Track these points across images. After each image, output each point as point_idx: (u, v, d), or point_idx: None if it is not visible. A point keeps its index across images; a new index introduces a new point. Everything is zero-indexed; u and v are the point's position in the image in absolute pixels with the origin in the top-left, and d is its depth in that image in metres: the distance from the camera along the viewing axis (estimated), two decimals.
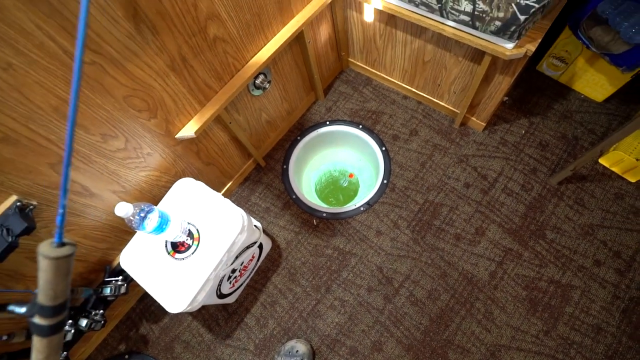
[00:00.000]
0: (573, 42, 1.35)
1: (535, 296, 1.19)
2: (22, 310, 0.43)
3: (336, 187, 1.76)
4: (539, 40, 1.02)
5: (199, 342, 1.29)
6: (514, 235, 1.28)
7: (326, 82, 1.68)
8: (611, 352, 1.11)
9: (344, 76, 1.71)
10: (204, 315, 1.32)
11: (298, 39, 1.31)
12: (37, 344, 0.42)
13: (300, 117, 1.65)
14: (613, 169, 1.33)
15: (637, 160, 1.27)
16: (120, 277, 1.12)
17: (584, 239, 1.25)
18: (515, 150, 1.42)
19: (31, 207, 0.81)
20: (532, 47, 1.01)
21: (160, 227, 0.92)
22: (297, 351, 1.19)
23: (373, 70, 1.63)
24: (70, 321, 1.03)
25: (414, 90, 1.55)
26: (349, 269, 1.32)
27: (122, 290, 1.08)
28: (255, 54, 1.18)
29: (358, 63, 1.66)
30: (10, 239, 0.72)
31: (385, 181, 1.44)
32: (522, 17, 0.93)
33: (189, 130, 1.08)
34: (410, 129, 1.53)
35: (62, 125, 0.78)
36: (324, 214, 1.42)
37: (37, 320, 0.41)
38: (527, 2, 0.91)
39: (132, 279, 1.05)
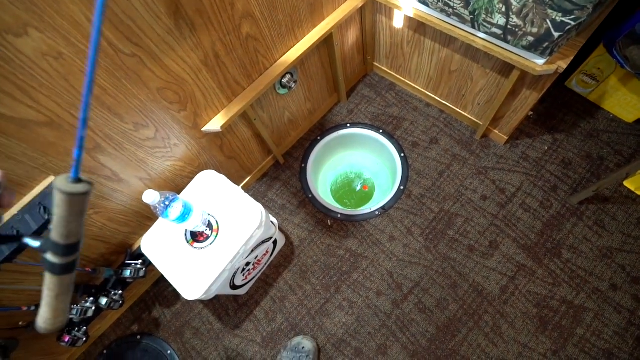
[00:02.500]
0: (606, 60, 1.32)
1: (546, 315, 1.18)
2: (37, 244, 0.41)
3: (351, 189, 1.77)
4: (572, 58, 1.01)
5: (209, 330, 1.33)
6: (528, 251, 1.27)
7: (350, 84, 1.69)
8: None
9: (367, 80, 1.72)
10: (215, 304, 1.36)
11: (326, 41, 1.33)
12: (48, 281, 0.42)
13: (322, 118, 1.67)
14: (638, 192, 1.30)
15: None
16: (140, 261, 1.16)
17: (601, 261, 1.23)
18: (537, 166, 1.40)
19: None
20: (563, 65, 1.00)
21: (183, 217, 0.96)
22: (303, 347, 1.21)
23: (397, 76, 1.63)
24: (91, 299, 1.08)
25: (437, 98, 1.55)
26: (360, 272, 1.33)
27: (141, 273, 1.13)
28: (284, 53, 1.20)
29: (383, 68, 1.67)
30: (47, 217, 0.77)
31: (402, 187, 1.45)
32: (556, 34, 0.92)
33: (215, 124, 1.12)
34: (430, 137, 1.53)
35: (100, 112, 0.82)
36: (339, 215, 1.44)
37: (50, 257, 0.40)
38: (563, 19, 0.90)
39: (150, 264, 1.09)
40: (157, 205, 0.91)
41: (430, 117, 1.57)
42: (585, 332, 1.15)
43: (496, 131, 1.43)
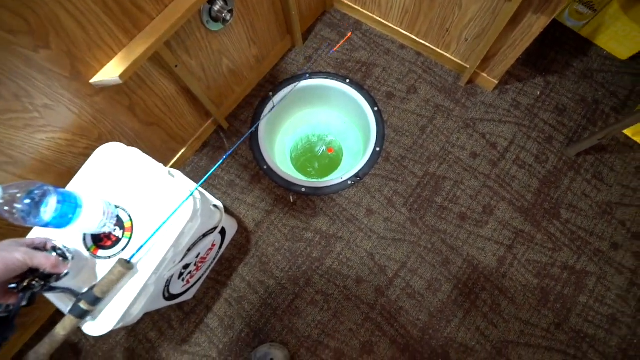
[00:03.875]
0: None
1: (548, 285, 1.04)
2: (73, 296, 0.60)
3: (314, 154, 1.48)
4: None
5: (148, 349, 1.04)
6: (526, 214, 1.10)
7: (306, 24, 1.34)
8: (625, 345, 0.99)
9: (327, 18, 1.38)
10: (152, 316, 1.06)
11: None
12: (67, 322, 0.57)
13: (273, 68, 1.31)
14: (635, 138, 1.17)
15: None
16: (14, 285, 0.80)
17: (601, 218, 1.09)
18: (529, 114, 1.20)
19: None
20: None
21: (64, 217, 0.61)
22: (271, 358, 0.97)
23: (364, 11, 1.31)
24: None
25: (414, 37, 1.26)
26: (334, 256, 1.09)
27: (24, 302, 0.78)
28: None
29: (345, 1, 1.33)
30: None
31: (377, 149, 1.19)
32: None
33: (110, 72, 0.74)
34: (407, 85, 1.26)
35: None
36: (303, 189, 1.15)
37: (82, 304, 0.58)
38: None
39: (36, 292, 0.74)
40: (8, 209, 0.55)
41: (406, 61, 1.29)
42: (588, 300, 1.03)
43: (484, 74, 1.20)
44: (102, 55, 0.74)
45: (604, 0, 1.16)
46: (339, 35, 1.34)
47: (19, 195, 0.55)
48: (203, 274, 1.06)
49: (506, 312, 1.02)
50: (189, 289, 1.00)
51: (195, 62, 0.98)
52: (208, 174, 0.74)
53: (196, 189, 0.71)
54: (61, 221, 0.61)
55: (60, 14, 0.62)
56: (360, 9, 1.32)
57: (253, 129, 1.22)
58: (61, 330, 0.57)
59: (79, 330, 1.09)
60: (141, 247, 0.63)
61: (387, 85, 1.26)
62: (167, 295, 0.88)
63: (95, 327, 0.66)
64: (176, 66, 0.89)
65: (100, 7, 0.67)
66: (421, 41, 1.25)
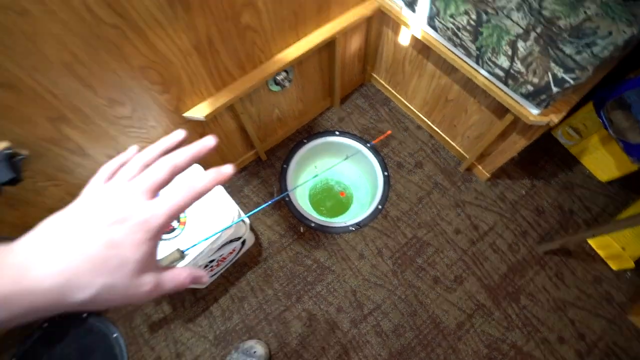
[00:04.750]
0: (592, 119, 1.35)
1: (495, 357, 1.21)
2: None
3: (329, 195, 1.74)
4: (564, 114, 1.02)
5: (160, 318, 1.27)
6: (490, 292, 1.29)
7: (345, 91, 1.66)
8: None
9: (363, 90, 1.69)
10: (171, 294, 1.30)
11: (329, 44, 1.28)
12: None
13: (311, 120, 1.62)
14: (598, 251, 1.35)
15: (622, 249, 1.29)
16: None
17: (554, 313, 1.26)
18: (512, 208, 1.42)
19: (21, 156, 0.77)
20: (555, 119, 1.01)
21: None
22: (254, 352, 1.18)
23: (394, 92, 1.61)
24: None
25: (429, 123, 1.54)
26: (324, 285, 1.31)
27: None
28: (283, 50, 1.15)
29: (381, 81, 1.64)
30: None
31: (380, 206, 1.43)
32: (554, 89, 0.92)
33: (199, 112, 1.05)
34: (416, 160, 1.52)
35: (70, 81, 0.74)
36: (313, 224, 1.41)
37: None
38: (564, 75, 0.90)
39: None
40: None
41: (419, 140, 1.56)
42: None
43: (480, 167, 1.44)
44: (196, 99, 1.05)
45: (589, 130, 1.40)
46: (370, 106, 1.64)
47: None
48: (219, 271, 1.30)
49: None
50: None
51: (254, 110, 1.29)
52: (257, 209, 1.01)
53: (246, 216, 0.99)
54: None
55: (182, 75, 0.94)
56: (391, 89, 1.62)
57: (283, 195, 1.46)
58: None
59: None
60: (195, 245, 0.84)
61: (399, 157, 1.53)
62: None
63: None
64: (242, 113, 1.20)
65: (206, 71, 0.99)
66: (434, 127, 1.53)
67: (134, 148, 0.30)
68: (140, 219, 0.24)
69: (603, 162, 1.42)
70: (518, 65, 0.96)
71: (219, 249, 1.07)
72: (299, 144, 1.57)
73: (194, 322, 1.27)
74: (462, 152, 1.47)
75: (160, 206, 0.25)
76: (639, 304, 1.26)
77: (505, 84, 1.02)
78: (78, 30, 0.68)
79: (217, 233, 0.96)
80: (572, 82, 0.89)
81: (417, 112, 1.56)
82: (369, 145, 1.55)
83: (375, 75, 1.66)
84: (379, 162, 1.52)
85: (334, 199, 1.72)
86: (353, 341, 1.23)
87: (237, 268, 1.34)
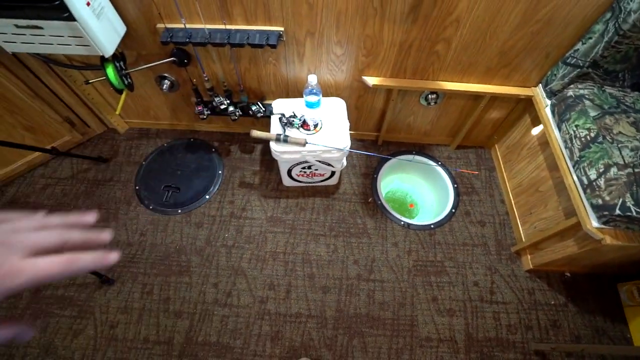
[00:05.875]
0: None
1: None
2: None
3: (401, 203, 2.09)
4: (619, 243, 1.19)
5: (249, 182, 1.83)
6: (468, 339, 1.47)
7: (466, 142, 2.00)
8: None
9: (480, 151, 2.00)
10: (265, 173, 1.85)
11: (476, 98, 1.66)
12: (269, 135, 1.41)
13: (427, 144, 2.01)
14: None
15: None
16: (263, 109, 1.67)
17: None
18: (533, 305, 1.56)
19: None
20: (608, 240, 1.20)
21: (312, 104, 1.43)
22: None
23: (501, 165, 1.89)
24: (228, 101, 1.62)
25: (512, 200, 1.77)
26: (358, 241, 1.68)
27: (258, 114, 1.64)
28: (446, 80, 1.58)
29: (498, 152, 1.93)
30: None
31: (432, 226, 1.74)
32: (617, 212, 1.13)
33: (371, 80, 1.56)
34: (481, 219, 1.77)
35: (329, 23, 1.31)
36: (379, 202, 1.79)
37: (283, 138, 1.40)
38: (631, 206, 1.11)
39: (269, 115, 1.59)
40: (310, 85, 1.39)
41: (496, 209, 1.80)
42: None
43: (529, 256, 1.62)
44: (375, 72, 1.55)
45: None
46: (476, 164, 1.95)
47: (316, 85, 1.37)
48: (304, 183, 1.79)
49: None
50: (295, 181, 1.75)
51: (399, 105, 1.75)
52: (360, 152, 1.47)
53: (350, 150, 1.45)
54: (310, 105, 1.43)
55: (381, 52, 1.45)
56: (501, 162, 1.90)
57: (383, 156, 1.92)
58: (262, 135, 1.39)
59: (240, 146, 1.83)
60: (317, 144, 1.33)
61: (471, 208, 1.80)
62: (289, 170, 1.65)
63: (276, 147, 1.44)
64: (392, 100, 1.67)
65: (394, 60, 1.49)
66: (514, 207, 1.75)
67: (41, 214, 0.31)
68: (1, 271, 0.25)
69: None
70: (601, 182, 1.19)
71: (321, 162, 1.54)
72: (408, 152, 1.98)
73: (266, 199, 1.79)
74: (522, 236, 1.66)
75: (28, 267, 0.26)
76: None
77: (584, 191, 1.26)
78: (354, 3, 1.23)
79: (330, 147, 1.43)
80: (634, 213, 1.10)
81: (509, 189, 1.81)
82: (455, 185, 1.86)
83: (497, 146, 1.96)
84: (454, 199, 1.82)
85: (403, 207, 2.07)
86: (349, 287, 1.57)
87: (313, 190, 1.81)
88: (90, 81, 1.39)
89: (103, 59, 1.31)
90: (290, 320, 1.50)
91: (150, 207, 1.76)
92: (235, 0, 1.24)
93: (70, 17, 1.09)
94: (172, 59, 1.42)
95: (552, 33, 1.32)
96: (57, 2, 1.04)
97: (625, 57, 1.29)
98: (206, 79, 1.52)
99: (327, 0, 1.23)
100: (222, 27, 1.31)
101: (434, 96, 1.66)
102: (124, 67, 1.37)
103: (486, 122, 1.84)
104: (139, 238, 1.68)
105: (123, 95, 1.48)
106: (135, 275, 1.59)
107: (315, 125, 1.50)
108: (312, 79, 1.37)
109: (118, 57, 1.36)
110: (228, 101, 1.63)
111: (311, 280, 1.59)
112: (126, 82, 1.38)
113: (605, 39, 1.24)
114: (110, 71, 1.31)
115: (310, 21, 1.32)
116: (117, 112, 1.51)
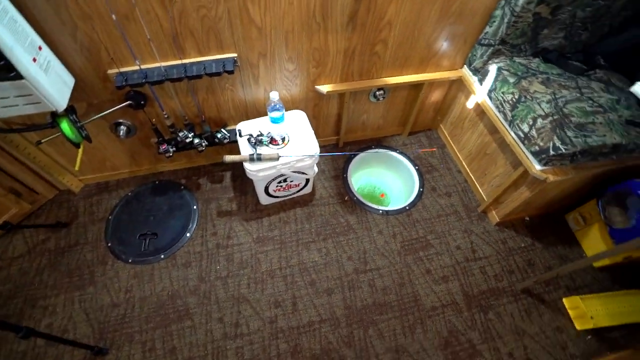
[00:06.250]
0: (597, 209, 1.71)
1: (452, 341, 1.51)
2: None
3: (372, 194, 2.22)
4: (559, 178, 1.43)
5: (227, 210, 1.82)
6: (466, 297, 1.62)
7: (415, 127, 2.21)
8: None
9: (429, 133, 2.23)
10: (241, 198, 1.86)
11: (417, 86, 1.88)
12: (242, 158, 1.46)
13: (382, 137, 2.19)
14: (569, 310, 1.61)
15: (591, 318, 1.55)
16: (228, 135, 1.70)
17: (513, 334, 1.54)
18: (508, 252, 1.77)
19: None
20: (551, 178, 1.43)
21: (277, 120, 1.51)
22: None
23: (450, 141, 2.13)
24: (192, 134, 1.62)
25: (467, 169, 2.00)
26: (346, 238, 1.76)
27: (224, 141, 1.67)
28: (388, 76, 1.76)
29: (444, 131, 2.17)
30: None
31: (407, 207, 1.88)
32: (551, 152, 1.37)
33: (324, 88, 1.68)
34: (447, 191, 1.97)
35: (279, 40, 1.41)
36: (355, 197, 1.90)
37: (255, 157, 1.43)
38: (560, 146, 1.35)
39: (234, 142, 1.62)
40: (273, 102, 1.46)
41: (456, 179, 2.02)
42: None
43: (494, 212, 1.84)
44: (327, 80, 1.68)
45: (593, 218, 1.74)
46: (429, 145, 2.16)
47: (278, 102, 1.45)
48: (282, 197, 1.83)
49: (416, 334, 1.51)
50: (272, 197, 1.79)
51: (353, 107, 1.90)
52: (328, 154, 1.57)
53: (320, 155, 1.55)
54: (275, 120, 1.50)
55: (328, 62, 1.59)
56: (449, 138, 2.14)
57: (349, 153, 2.06)
58: (235, 158, 1.42)
59: (209, 177, 1.82)
60: (288, 156, 1.41)
61: (436, 184, 1.99)
62: (266, 187, 1.68)
63: (251, 167, 1.48)
64: (346, 102, 1.81)
65: (341, 67, 1.63)
66: (470, 174, 1.98)
67: None
68: None
69: (597, 249, 1.73)
70: (534, 132, 1.43)
71: (296, 171, 1.61)
72: (369, 147, 2.13)
73: (248, 222, 1.79)
74: (484, 196, 1.89)
75: None
76: None
77: (523, 143, 1.49)
78: (299, 19, 1.35)
79: (302, 156, 1.51)
80: (563, 150, 1.34)
81: (461, 159, 2.04)
82: (416, 168, 2.05)
83: (442, 126, 2.20)
84: (419, 180, 2.00)
85: (375, 199, 2.20)
86: (351, 283, 1.63)
87: (292, 202, 1.86)
88: (42, 141, 1.30)
89: (54, 115, 1.24)
90: (304, 330, 1.51)
91: (130, 261, 1.66)
92: (186, 34, 1.28)
93: (18, 76, 1.04)
94: (127, 102, 1.40)
95: (464, 22, 1.57)
96: (2, 62, 0.99)
97: (523, 32, 1.57)
98: (166, 116, 1.51)
99: (274, 22, 1.33)
100: (178, 62, 1.33)
101: (381, 92, 1.84)
102: (77, 120, 1.32)
103: (429, 107, 2.07)
104: (124, 296, 1.57)
105: (80, 150, 1.40)
106: (130, 335, 1.48)
107: (283, 139, 1.57)
108: (274, 95, 1.45)
109: (69, 110, 1.30)
110: (192, 134, 1.63)
111: (313, 287, 1.62)
112: (83, 134, 1.32)
113: (505, 20, 1.51)
114: (65, 126, 1.26)
115: (261, 43, 1.40)
116: (77, 169, 1.42)
